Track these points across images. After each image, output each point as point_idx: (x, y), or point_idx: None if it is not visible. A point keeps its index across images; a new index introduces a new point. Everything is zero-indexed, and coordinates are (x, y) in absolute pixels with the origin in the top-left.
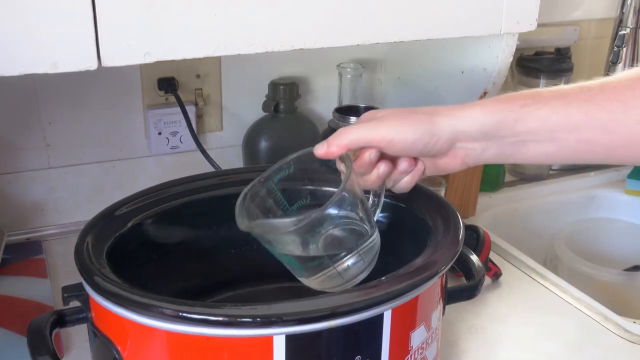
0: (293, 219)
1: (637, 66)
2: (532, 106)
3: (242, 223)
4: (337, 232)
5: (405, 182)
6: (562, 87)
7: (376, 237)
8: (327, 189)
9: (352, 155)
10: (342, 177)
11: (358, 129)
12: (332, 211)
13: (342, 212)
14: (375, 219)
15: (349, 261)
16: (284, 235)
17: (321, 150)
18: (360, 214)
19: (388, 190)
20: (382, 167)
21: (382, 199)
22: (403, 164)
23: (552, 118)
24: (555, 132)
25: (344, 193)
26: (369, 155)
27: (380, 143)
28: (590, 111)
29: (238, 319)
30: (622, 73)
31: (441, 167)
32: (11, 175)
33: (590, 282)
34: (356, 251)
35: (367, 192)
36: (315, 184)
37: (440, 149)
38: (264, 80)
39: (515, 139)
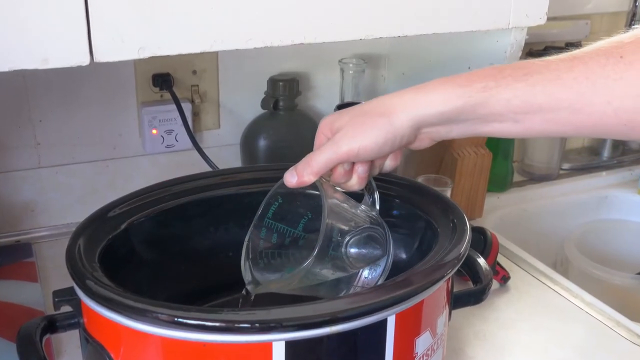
0: (290, 273)
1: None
2: (493, 89)
3: (254, 287)
4: (355, 246)
5: (389, 166)
6: (528, 63)
7: (386, 231)
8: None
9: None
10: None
11: (323, 152)
12: (324, 245)
13: (339, 234)
14: (377, 212)
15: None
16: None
17: (292, 180)
18: (361, 219)
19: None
20: (360, 169)
21: (376, 193)
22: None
23: (514, 102)
24: (518, 114)
25: (327, 221)
26: (342, 167)
27: (349, 158)
28: (556, 93)
29: (236, 325)
30: (595, 45)
31: (413, 148)
32: (0, 175)
33: (601, 286)
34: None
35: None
36: (308, 198)
37: (408, 141)
38: (263, 76)
39: (478, 120)
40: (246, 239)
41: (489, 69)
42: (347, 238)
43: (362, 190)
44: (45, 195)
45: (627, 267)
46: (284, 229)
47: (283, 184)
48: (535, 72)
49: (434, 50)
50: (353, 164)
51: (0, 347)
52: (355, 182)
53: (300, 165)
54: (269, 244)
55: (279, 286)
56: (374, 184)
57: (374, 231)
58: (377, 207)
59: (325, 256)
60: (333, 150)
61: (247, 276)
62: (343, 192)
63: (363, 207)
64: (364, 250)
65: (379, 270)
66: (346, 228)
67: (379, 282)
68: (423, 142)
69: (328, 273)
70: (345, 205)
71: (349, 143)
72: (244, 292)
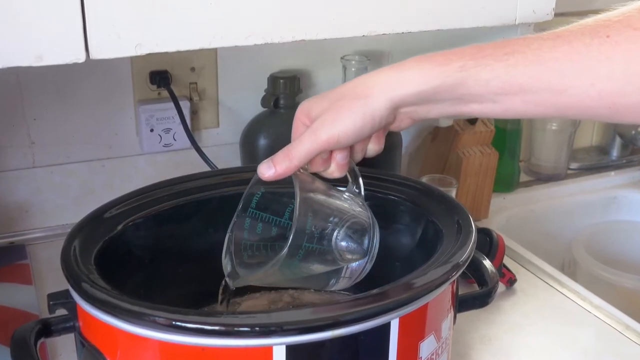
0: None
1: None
2: (472, 69)
3: (234, 279)
4: (341, 238)
5: (373, 150)
6: (510, 42)
7: (372, 220)
8: None
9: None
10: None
11: (302, 142)
12: (299, 236)
13: (313, 227)
14: (362, 198)
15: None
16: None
17: (268, 173)
18: (344, 208)
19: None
20: (338, 157)
21: (360, 178)
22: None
23: (494, 82)
24: (498, 95)
25: (299, 220)
26: (319, 156)
27: (329, 146)
28: (537, 73)
29: (235, 328)
30: (580, 23)
31: (393, 129)
32: None
33: (610, 289)
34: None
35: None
36: (291, 185)
37: (387, 123)
38: (263, 73)
39: (457, 101)
40: (228, 230)
41: (469, 48)
42: (330, 230)
43: (346, 176)
44: (40, 196)
45: (636, 269)
46: (270, 218)
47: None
48: (516, 52)
49: (438, 48)
50: (331, 151)
51: None
52: (335, 169)
53: (279, 156)
54: (254, 234)
55: (257, 278)
56: (357, 169)
57: (358, 220)
58: (362, 192)
59: (299, 249)
60: (312, 139)
61: (227, 268)
62: (326, 180)
63: (347, 194)
64: (351, 242)
65: (365, 258)
66: (326, 221)
67: (366, 269)
68: (403, 122)
69: (318, 268)
70: (324, 196)
71: (328, 130)
72: (223, 282)
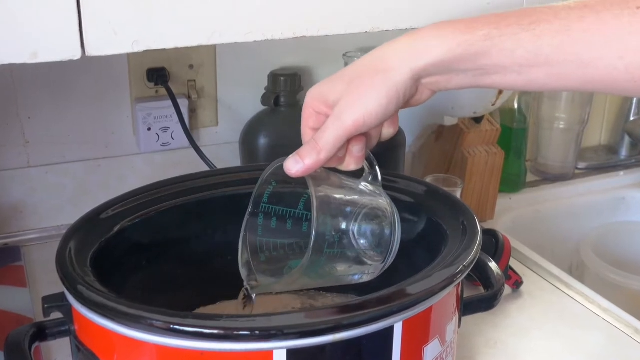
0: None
1: None
2: (496, 38)
3: (253, 287)
4: (360, 235)
5: (388, 133)
6: (535, 10)
7: (392, 207)
8: None
9: None
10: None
11: (328, 130)
12: (320, 241)
13: (333, 222)
14: (380, 185)
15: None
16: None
17: (296, 168)
18: (362, 201)
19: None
20: (355, 149)
21: (377, 166)
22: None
23: (519, 52)
24: (523, 67)
25: (318, 224)
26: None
27: (357, 130)
28: (564, 45)
29: (235, 332)
30: None
31: (414, 103)
32: None
33: (619, 292)
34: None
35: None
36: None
37: (410, 95)
38: (263, 71)
39: (479, 72)
40: (242, 229)
41: (491, 16)
42: (349, 227)
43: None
44: (34, 196)
45: None
46: (284, 210)
47: (275, 170)
48: (542, 21)
49: None
50: (347, 143)
51: None
52: (352, 162)
53: (305, 149)
54: (269, 230)
55: (281, 286)
56: (372, 156)
57: (376, 212)
58: (380, 179)
59: (321, 255)
60: (338, 125)
61: (244, 273)
62: (339, 172)
63: (363, 185)
64: (371, 234)
65: (389, 247)
66: (345, 219)
67: (392, 256)
68: (423, 94)
69: (344, 268)
70: (341, 192)
71: (353, 114)
72: (244, 291)
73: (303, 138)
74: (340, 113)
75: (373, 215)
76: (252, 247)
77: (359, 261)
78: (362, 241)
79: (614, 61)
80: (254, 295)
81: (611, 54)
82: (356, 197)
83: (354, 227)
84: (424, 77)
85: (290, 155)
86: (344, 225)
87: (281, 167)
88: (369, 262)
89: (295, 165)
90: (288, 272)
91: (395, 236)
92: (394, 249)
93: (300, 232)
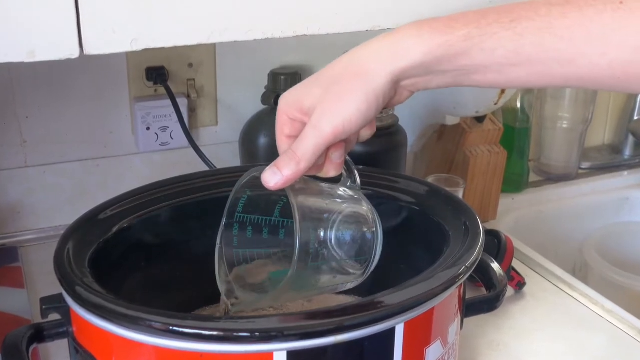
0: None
1: None
2: (477, 38)
3: (234, 304)
4: (340, 236)
5: (366, 135)
6: (515, 7)
7: (372, 211)
8: None
9: None
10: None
11: (306, 139)
12: (302, 251)
13: (315, 232)
14: (359, 188)
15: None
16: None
17: (275, 180)
18: (337, 209)
19: None
20: (334, 155)
21: (355, 170)
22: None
23: (499, 51)
24: (504, 66)
25: (299, 236)
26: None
27: (336, 137)
28: (546, 43)
29: (234, 334)
30: None
31: (392, 105)
32: None
33: (623, 293)
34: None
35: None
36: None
37: (390, 98)
38: (264, 70)
39: (459, 72)
40: (217, 241)
41: (471, 13)
42: (330, 235)
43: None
44: (32, 196)
45: None
46: (259, 219)
47: (250, 179)
48: (523, 18)
49: None
50: (327, 150)
51: None
52: (331, 169)
53: (283, 160)
54: (245, 239)
55: (265, 303)
56: (349, 160)
57: (357, 218)
58: (358, 183)
59: (306, 268)
60: (316, 134)
61: (223, 288)
62: (316, 178)
63: (342, 190)
64: (349, 241)
65: (372, 251)
66: (325, 227)
67: (376, 259)
68: (402, 95)
69: (328, 278)
70: (322, 200)
71: (331, 121)
72: (222, 306)
73: (279, 147)
74: (318, 121)
75: (353, 220)
76: (229, 260)
77: (342, 269)
78: (345, 247)
79: (596, 58)
80: (231, 312)
81: (594, 51)
82: (336, 203)
83: (337, 234)
84: (403, 79)
85: (268, 167)
86: (326, 234)
87: (256, 177)
88: (352, 270)
89: (273, 177)
90: (268, 283)
91: (377, 240)
92: (376, 253)
93: (277, 240)
